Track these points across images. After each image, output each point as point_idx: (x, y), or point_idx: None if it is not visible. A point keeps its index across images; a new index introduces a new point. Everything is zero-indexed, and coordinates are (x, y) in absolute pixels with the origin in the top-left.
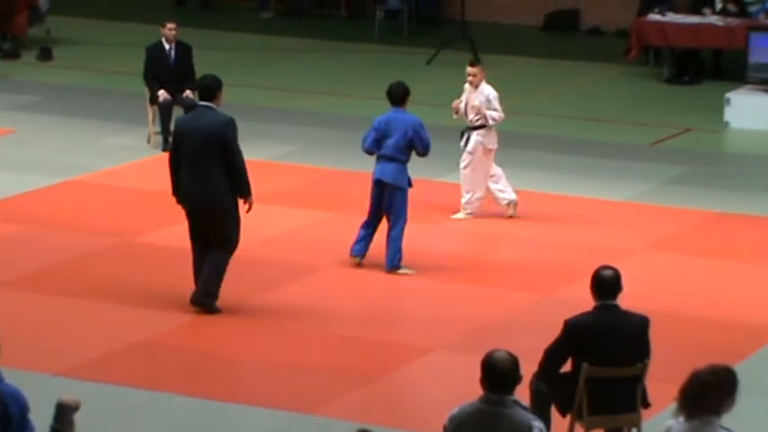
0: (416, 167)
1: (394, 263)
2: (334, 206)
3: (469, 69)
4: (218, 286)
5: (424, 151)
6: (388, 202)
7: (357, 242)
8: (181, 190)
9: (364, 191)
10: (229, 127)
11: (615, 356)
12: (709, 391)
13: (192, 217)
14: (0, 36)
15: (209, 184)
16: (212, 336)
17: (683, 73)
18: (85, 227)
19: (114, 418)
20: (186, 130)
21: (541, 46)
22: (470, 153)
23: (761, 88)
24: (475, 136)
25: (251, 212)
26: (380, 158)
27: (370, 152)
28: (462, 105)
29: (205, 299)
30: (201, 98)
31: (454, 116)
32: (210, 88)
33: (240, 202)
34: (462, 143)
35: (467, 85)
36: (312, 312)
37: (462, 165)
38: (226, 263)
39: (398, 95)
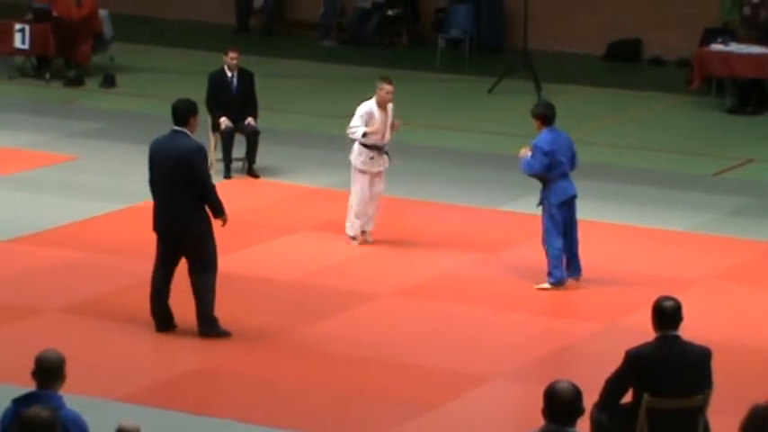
0: (476, 196)
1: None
2: (393, 234)
3: (389, 87)
4: (213, 308)
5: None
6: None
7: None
8: (155, 213)
9: (420, 219)
10: (198, 154)
11: (676, 387)
12: None
13: (165, 240)
14: (65, 63)
15: (180, 208)
16: (268, 363)
17: (745, 103)
18: (147, 253)
19: None
20: (158, 154)
21: (603, 75)
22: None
23: None
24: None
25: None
26: (565, 176)
27: (537, 175)
28: (380, 126)
29: (210, 326)
30: (175, 122)
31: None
32: (183, 112)
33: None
34: (384, 161)
35: (373, 105)
36: (369, 340)
37: (382, 186)
38: (214, 283)
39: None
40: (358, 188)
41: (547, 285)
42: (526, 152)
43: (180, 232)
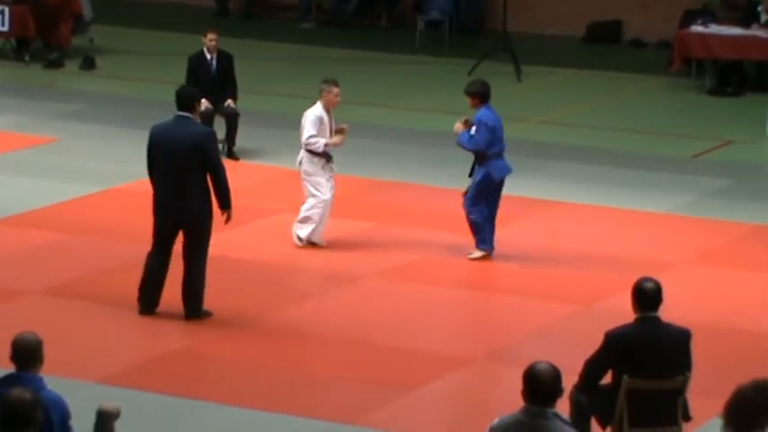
0: (455, 178)
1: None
2: (374, 216)
3: (338, 90)
4: (203, 292)
5: None
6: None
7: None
8: (156, 198)
9: (404, 201)
10: (211, 139)
11: (656, 369)
12: (755, 407)
13: (165, 227)
14: (44, 45)
15: (187, 195)
16: (249, 344)
17: (725, 85)
18: (127, 235)
19: (155, 427)
20: (164, 139)
21: (583, 57)
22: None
23: None
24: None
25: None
26: (502, 153)
27: (480, 151)
28: (327, 132)
29: (197, 309)
30: (180, 108)
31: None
32: (189, 98)
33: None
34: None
35: (321, 110)
36: (351, 322)
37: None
38: (204, 267)
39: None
40: (321, 193)
41: (479, 254)
42: (461, 127)
43: (185, 219)
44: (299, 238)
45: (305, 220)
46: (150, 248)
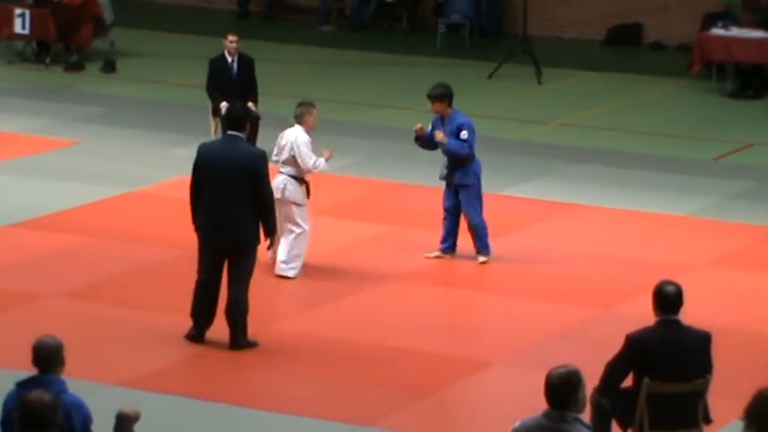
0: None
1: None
2: (394, 219)
3: (316, 112)
4: (246, 320)
5: None
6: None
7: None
8: (201, 221)
9: (425, 204)
10: (262, 161)
11: (677, 372)
12: None
13: (211, 250)
14: (65, 48)
15: (236, 218)
16: (270, 348)
17: (746, 87)
18: (148, 238)
19: (174, 429)
20: (213, 159)
21: (603, 60)
22: None
23: None
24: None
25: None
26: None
27: (470, 155)
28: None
29: (243, 339)
30: (230, 128)
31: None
32: (240, 118)
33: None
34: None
35: (303, 131)
36: (370, 325)
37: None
38: (247, 295)
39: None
40: (306, 224)
41: (485, 259)
42: (443, 135)
43: (228, 241)
44: (291, 277)
45: (294, 258)
46: (198, 275)
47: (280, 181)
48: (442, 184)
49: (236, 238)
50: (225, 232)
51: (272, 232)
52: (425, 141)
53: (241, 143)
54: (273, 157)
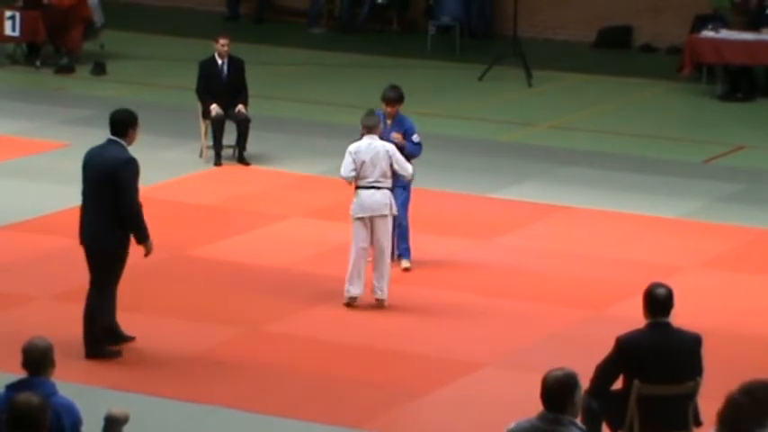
0: (466, 183)
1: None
2: None
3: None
4: (106, 325)
5: None
6: None
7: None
8: (80, 226)
9: (413, 205)
10: (127, 167)
11: (667, 374)
12: (745, 413)
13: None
14: (55, 51)
15: (93, 223)
16: (262, 350)
17: (736, 90)
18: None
19: (163, 431)
20: (87, 162)
21: (593, 62)
22: None
23: None
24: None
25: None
26: None
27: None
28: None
29: (96, 347)
30: (112, 132)
31: None
32: (120, 122)
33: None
34: None
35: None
36: (359, 327)
37: None
38: (110, 304)
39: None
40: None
41: (409, 264)
42: (402, 138)
43: (87, 246)
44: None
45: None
46: (89, 282)
47: (387, 197)
48: (435, 187)
49: (92, 244)
50: (84, 236)
51: (140, 239)
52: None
53: (114, 148)
54: (351, 173)
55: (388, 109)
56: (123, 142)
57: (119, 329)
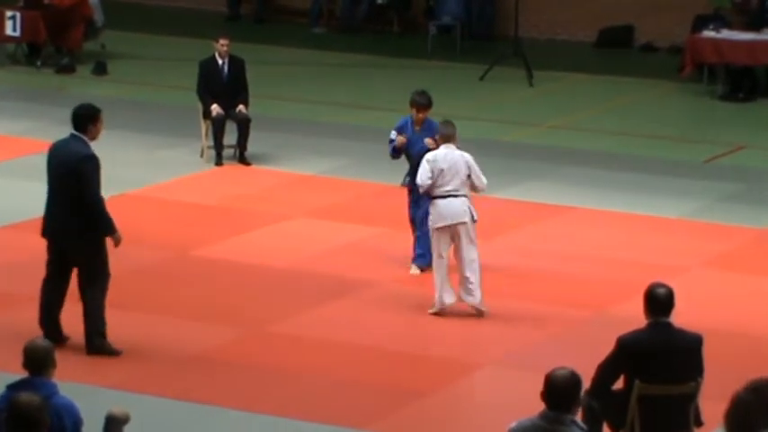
0: None
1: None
2: (385, 222)
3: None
4: (104, 324)
5: None
6: None
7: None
8: (43, 220)
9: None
10: (88, 162)
11: (668, 374)
12: (752, 411)
13: (51, 249)
14: (56, 50)
15: (57, 217)
16: (263, 350)
17: (737, 90)
18: (139, 240)
19: (164, 431)
20: (50, 157)
21: (595, 62)
22: None
23: None
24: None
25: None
26: None
27: None
28: None
29: (98, 341)
30: (74, 127)
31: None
32: (84, 118)
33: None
34: None
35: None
36: (361, 328)
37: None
38: (103, 298)
39: None
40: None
41: (419, 271)
42: (435, 144)
43: (66, 244)
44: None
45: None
46: (45, 274)
47: (466, 204)
48: None
49: (59, 237)
50: (49, 230)
51: (106, 231)
52: (398, 150)
53: (76, 143)
54: (427, 181)
55: (419, 115)
56: (85, 138)
57: (59, 326)
